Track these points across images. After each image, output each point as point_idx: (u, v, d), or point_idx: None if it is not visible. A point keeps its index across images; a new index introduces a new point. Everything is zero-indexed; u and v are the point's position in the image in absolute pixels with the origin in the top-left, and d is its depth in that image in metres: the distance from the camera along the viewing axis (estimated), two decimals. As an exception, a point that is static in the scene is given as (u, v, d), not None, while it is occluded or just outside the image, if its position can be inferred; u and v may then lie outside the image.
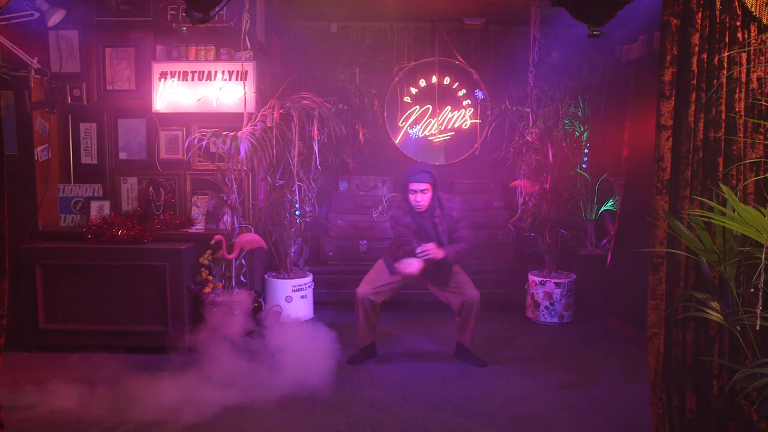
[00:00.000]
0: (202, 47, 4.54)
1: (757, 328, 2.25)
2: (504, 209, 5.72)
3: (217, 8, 3.12)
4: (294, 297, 4.89)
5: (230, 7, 4.31)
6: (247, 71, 4.42)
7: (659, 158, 2.64)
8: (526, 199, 5.12)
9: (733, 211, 2.26)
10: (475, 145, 6.19)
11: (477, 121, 6.18)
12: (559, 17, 4.91)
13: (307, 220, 5.10)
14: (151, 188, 4.66)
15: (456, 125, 6.20)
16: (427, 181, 3.72)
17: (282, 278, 4.95)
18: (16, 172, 4.28)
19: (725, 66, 2.59)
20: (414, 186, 3.72)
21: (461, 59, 6.06)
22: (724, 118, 2.61)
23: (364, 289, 3.94)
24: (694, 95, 2.60)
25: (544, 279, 5.00)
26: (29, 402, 3.40)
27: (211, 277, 4.33)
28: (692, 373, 2.70)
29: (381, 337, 4.47)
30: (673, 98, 2.62)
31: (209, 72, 4.53)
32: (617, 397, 3.55)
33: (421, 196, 3.73)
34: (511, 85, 5.60)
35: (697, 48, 2.57)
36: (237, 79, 4.49)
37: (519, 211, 5.18)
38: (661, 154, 2.64)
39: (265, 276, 5.00)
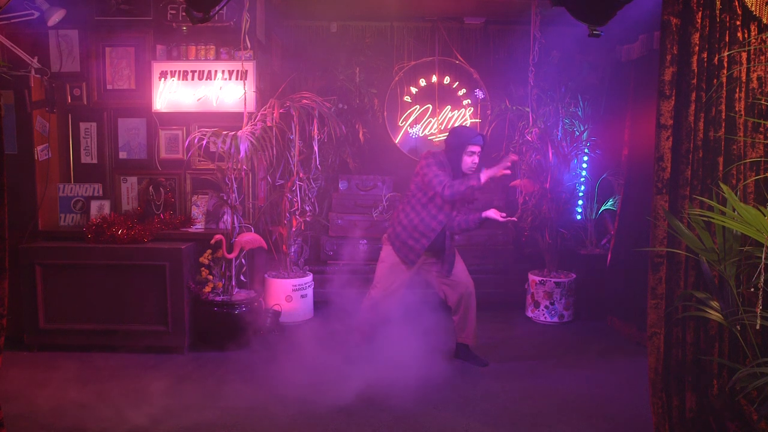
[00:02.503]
0: (202, 47, 4.54)
1: (757, 327, 2.25)
2: (504, 209, 5.71)
3: (217, 8, 3.11)
4: (294, 297, 4.89)
5: (230, 7, 4.30)
6: (247, 71, 4.42)
7: (659, 158, 2.64)
8: (526, 198, 5.12)
9: (733, 210, 2.26)
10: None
11: (477, 120, 6.17)
12: (559, 17, 4.91)
13: (307, 219, 5.10)
14: (151, 188, 4.66)
15: (456, 125, 6.19)
16: (482, 144, 3.81)
17: (282, 278, 4.95)
18: (16, 171, 4.27)
19: (725, 65, 2.59)
20: (473, 148, 3.77)
21: (461, 59, 6.06)
22: (724, 117, 2.61)
23: (377, 291, 3.97)
24: (694, 95, 2.60)
25: (544, 279, 5.00)
26: (29, 402, 3.40)
27: (211, 277, 4.33)
28: (692, 373, 2.70)
29: (378, 337, 4.47)
30: (673, 98, 2.62)
31: (209, 71, 4.53)
32: (617, 397, 3.55)
33: (477, 157, 3.80)
34: (511, 84, 5.60)
35: (697, 47, 2.57)
36: (237, 79, 4.49)
37: (519, 211, 5.18)
38: (661, 153, 2.64)
39: (265, 276, 5.00)
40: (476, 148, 3.77)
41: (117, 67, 4.64)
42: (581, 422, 3.24)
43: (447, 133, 3.98)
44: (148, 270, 4.13)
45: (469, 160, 3.78)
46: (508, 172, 3.62)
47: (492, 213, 3.71)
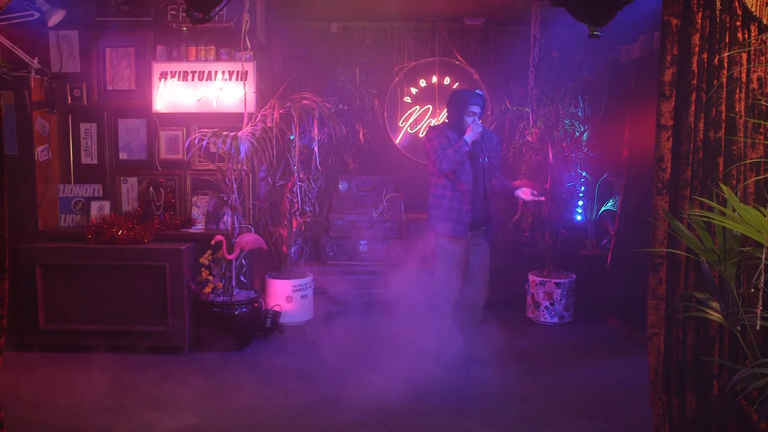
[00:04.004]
0: (202, 47, 4.54)
1: (757, 328, 2.25)
2: (504, 209, 5.71)
3: (217, 8, 3.11)
4: (294, 297, 4.89)
5: (230, 7, 4.30)
6: (247, 71, 4.42)
7: (659, 158, 2.64)
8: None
9: (733, 211, 2.26)
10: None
11: (477, 121, 6.17)
12: (559, 17, 4.92)
13: (307, 220, 5.10)
14: (151, 188, 4.66)
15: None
16: (481, 103, 3.84)
17: (282, 278, 4.94)
18: (16, 172, 4.27)
19: (725, 66, 2.59)
20: (474, 108, 3.79)
21: (461, 59, 6.06)
22: (724, 118, 2.61)
23: (448, 290, 3.87)
24: (694, 95, 2.60)
25: (544, 279, 5.00)
26: (29, 403, 3.40)
27: (211, 278, 4.33)
28: (692, 373, 2.70)
29: (379, 338, 4.48)
30: (674, 98, 2.62)
31: (209, 72, 4.53)
32: (617, 397, 3.55)
33: (478, 117, 3.82)
34: (511, 85, 5.60)
35: (697, 48, 2.57)
36: (237, 79, 4.49)
37: (519, 211, 5.18)
38: (661, 154, 2.64)
39: (265, 276, 5.00)
40: (476, 108, 3.80)
41: (117, 68, 4.64)
42: (581, 422, 3.24)
43: (449, 96, 3.99)
44: (149, 270, 4.13)
45: (470, 120, 3.80)
46: (479, 129, 3.70)
47: (521, 193, 3.81)
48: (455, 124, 3.85)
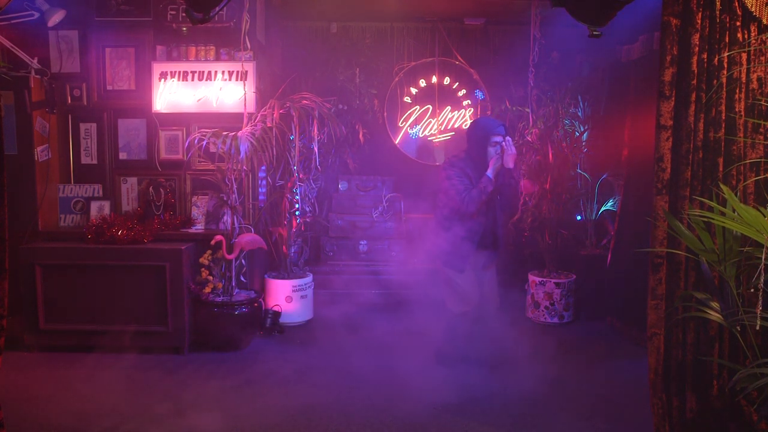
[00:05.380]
0: (202, 47, 4.54)
1: (757, 328, 2.25)
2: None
3: (217, 8, 3.12)
4: (294, 297, 4.89)
5: (230, 7, 4.31)
6: (247, 71, 4.42)
7: (659, 158, 2.64)
8: (526, 199, 5.12)
9: (733, 211, 2.26)
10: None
11: (477, 121, 6.17)
12: (559, 17, 4.92)
13: (307, 220, 5.10)
14: (151, 188, 4.66)
15: (456, 125, 6.20)
16: (504, 133, 3.76)
17: (282, 278, 4.94)
18: (16, 172, 4.28)
19: (725, 66, 2.59)
20: (497, 138, 3.72)
21: (461, 59, 6.06)
22: (724, 118, 2.61)
23: (461, 307, 3.86)
24: (694, 95, 2.60)
25: (544, 279, 5.00)
26: (29, 403, 3.40)
27: (211, 278, 4.33)
28: (692, 373, 2.70)
29: (379, 338, 4.48)
30: (673, 98, 2.62)
31: (209, 72, 4.53)
32: (617, 397, 3.55)
33: (501, 146, 3.76)
34: (511, 85, 5.60)
35: (697, 48, 2.57)
36: (237, 79, 4.49)
37: (519, 211, 5.18)
38: (661, 154, 2.64)
39: (265, 276, 5.00)
40: (499, 138, 3.73)
41: (117, 68, 4.64)
42: (581, 422, 3.24)
43: (468, 125, 3.95)
44: (149, 270, 4.13)
45: (493, 151, 3.75)
46: (501, 155, 3.65)
47: (512, 160, 3.76)
48: (476, 157, 3.77)
